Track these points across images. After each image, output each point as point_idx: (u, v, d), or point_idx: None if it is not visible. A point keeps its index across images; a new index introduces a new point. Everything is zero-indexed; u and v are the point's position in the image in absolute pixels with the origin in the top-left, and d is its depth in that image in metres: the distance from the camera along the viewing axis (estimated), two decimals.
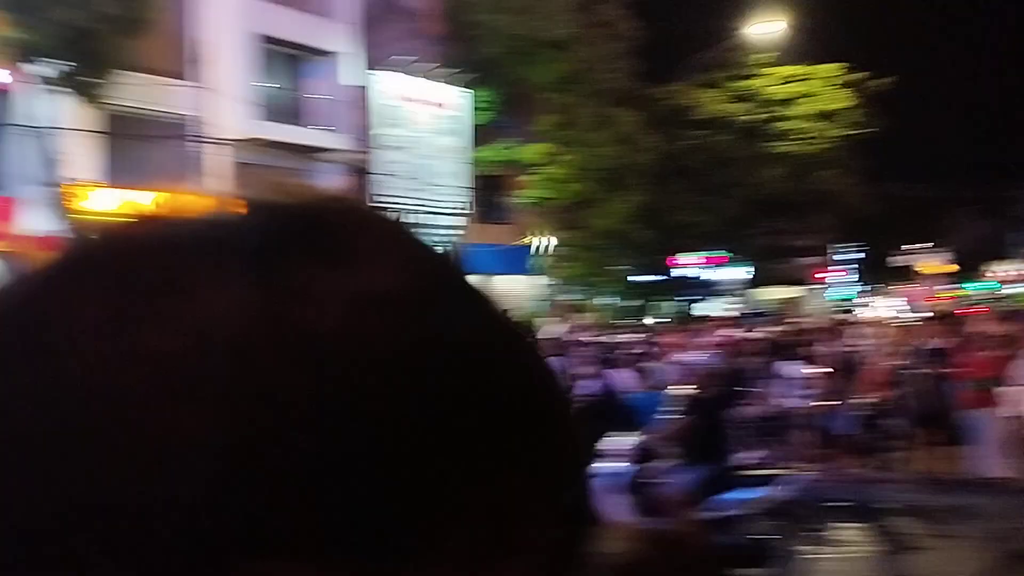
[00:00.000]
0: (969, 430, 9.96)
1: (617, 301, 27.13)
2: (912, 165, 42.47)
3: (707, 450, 6.83)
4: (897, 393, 10.55)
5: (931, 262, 45.44)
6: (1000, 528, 7.87)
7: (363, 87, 20.48)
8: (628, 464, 6.36)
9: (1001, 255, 47.51)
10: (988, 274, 46.72)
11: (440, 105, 21.79)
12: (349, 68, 20.42)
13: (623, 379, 9.68)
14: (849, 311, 31.84)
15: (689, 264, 29.92)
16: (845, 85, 26.72)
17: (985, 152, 68.60)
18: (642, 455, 6.43)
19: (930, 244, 47.91)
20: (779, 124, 27.16)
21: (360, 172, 20.43)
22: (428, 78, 21.28)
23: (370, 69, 20.54)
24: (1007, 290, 39.70)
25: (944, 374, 10.35)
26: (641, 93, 25.35)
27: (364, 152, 20.45)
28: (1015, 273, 39.99)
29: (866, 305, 35.80)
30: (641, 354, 12.25)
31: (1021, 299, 24.86)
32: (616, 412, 7.83)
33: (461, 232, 22.29)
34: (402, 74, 20.84)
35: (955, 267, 47.61)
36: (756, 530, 6.46)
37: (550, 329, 17.21)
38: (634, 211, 23.57)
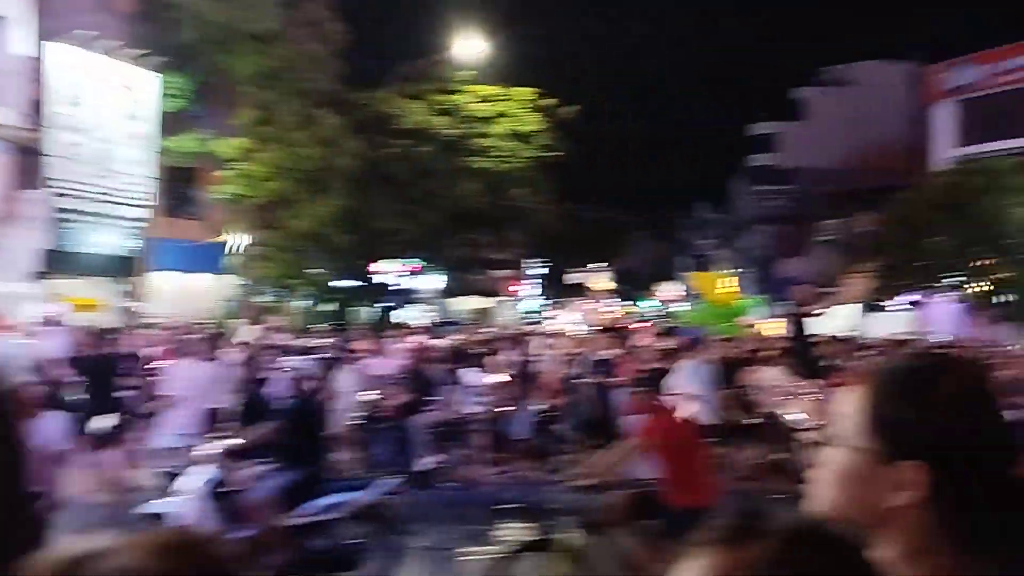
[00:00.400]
0: (630, 435, 10.87)
1: (313, 305, 26.70)
2: (594, 189, 46.01)
3: (302, 454, 6.67)
4: (567, 400, 11.30)
5: (603, 280, 49.31)
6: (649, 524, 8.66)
7: (37, 58, 18.49)
8: (215, 470, 6.21)
9: (667, 276, 52.66)
10: (656, 293, 51.44)
11: (127, 87, 20.21)
12: (20, 35, 18.34)
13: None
14: (537, 323, 33.70)
15: (388, 271, 30.14)
16: (538, 109, 28.33)
17: (655, 181, 75.94)
18: (229, 460, 6.29)
19: (605, 263, 52.13)
20: (478, 140, 28.19)
21: (30, 152, 18.42)
22: (114, 56, 19.67)
23: (45, 39, 18.58)
24: (671, 308, 43.99)
25: (609, 383, 11.22)
26: (346, 97, 25.21)
27: (35, 130, 18.45)
28: (677, 293, 44.41)
29: (550, 317, 38.10)
30: (333, 359, 12.13)
31: (681, 317, 27.65)
32: (262, 418, 7.56)
33: (145, 224, 20.83)
34: (83, 49, 19.06)
35: (623, 285, 52.24)
36: (346, 534, 6.48)
37: (241, 331, 16.57)
38: (334, 214, 23.29)
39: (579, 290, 47.49)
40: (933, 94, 35.00)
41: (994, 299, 26.32)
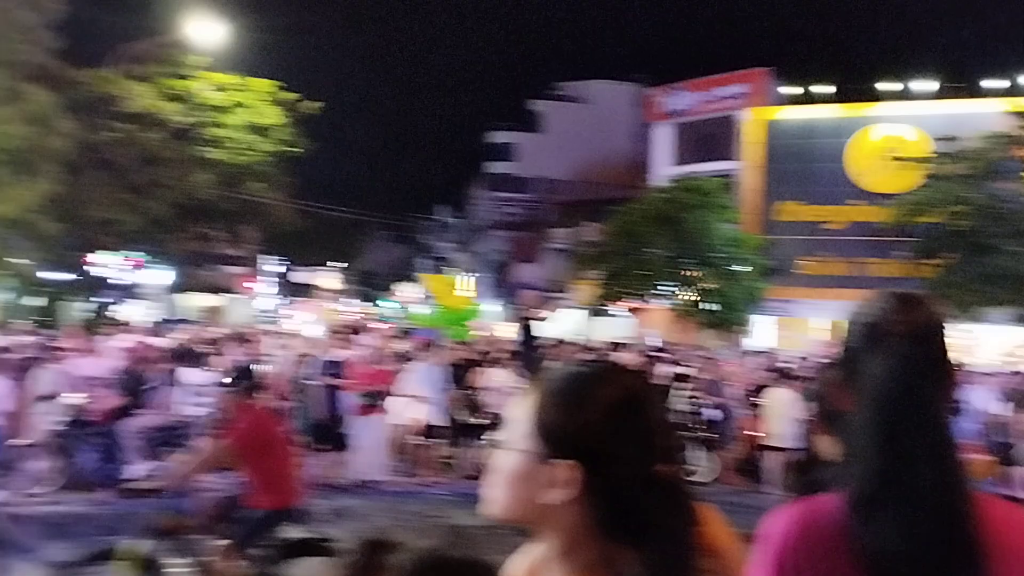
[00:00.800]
0: (356, 437, 10.80)
1: (18, 298, 24.27)
2: (336, 187, 45.43)
3: None
4: (295, 402, 11.01)
5: (333, 279, 48.63)
6: (370, 527, 8.64)
7: None
8: None
9: (407, 277, 52.95)
10: (396, 294, 51.56)
11: None
12: None
13: None
14: (273, 321, 32.66)
15: (108, 264, 28.00)
16: (278, 102, 27.50)
17: (399, 183, 76.33)
18: None
19: (345, 263, 51.53)
20: (212, 130, 26.88)
21: None
22: None
23: None
24: (411, 309, 44.23)
25: (338, 385, 11.08)
26: (61, 73, 23.02)
27: None
28: (416, 294, 44.75)
29: (287, 316, 37.07)
30: (32, 358, 11.05)
31: (417, 318, 27.88)
32: None
33: None
34: None
35: (363, 286, 51.85)
36: None
37: None
38: (43, 200, 21.22)
39: (318, 288, 46.56)
40: (653, 115, 37.82)
41: (700, 307, 28.87)
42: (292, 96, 27.52)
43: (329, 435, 10.67)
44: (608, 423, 1.25)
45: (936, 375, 1.39)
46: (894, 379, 1.37)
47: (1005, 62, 37.23)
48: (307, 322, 30.15)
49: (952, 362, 1.45)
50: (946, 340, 1.44)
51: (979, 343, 25.38)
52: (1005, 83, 30.20)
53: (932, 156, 25.94)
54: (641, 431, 1.26)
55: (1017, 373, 14.01)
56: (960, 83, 30.98)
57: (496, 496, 1.32)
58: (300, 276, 45.74)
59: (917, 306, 1.45)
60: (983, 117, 26.17)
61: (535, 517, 1.28)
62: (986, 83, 30.64)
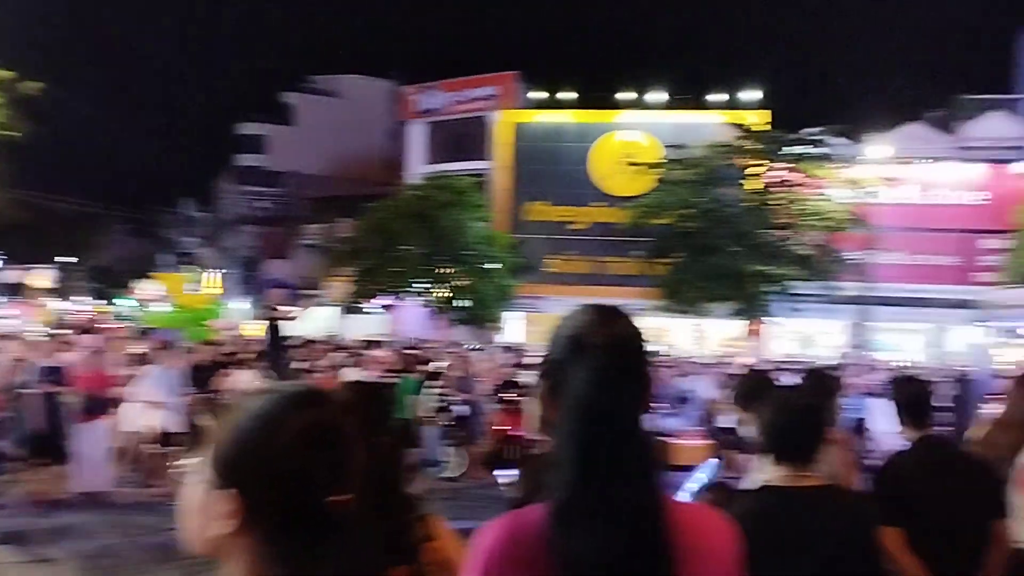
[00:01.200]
0: (80, 446, 9.95)
1: None
2: (65, 176, 41.78)
3: None
4: (10, 412, 9.99)
5: (54, 277, 44.67)
6: (96, 545, 8.00)
7: None
8: None
9: (148, 274, 49.71)
10: (135, 292, 48.28)
11: None
12: None
13: None
14: None
15: None
16: None
17: (137, 173, 71.65)
18: None
19: (75, 258, 47.57)
20: None
21: None
22: None
23: None
24: (152, 308, 41.51)
25: (58, 391, 10.15)
26: None
27: None
28: (157, 292, 42.14)
29: (6, 317, 33.64)
30: None
31: (156, 318, 26.22)
32: None
33: None
34: None
35: (98, 283, 48.04)
36: None
37: None
38: None
39: (39, 287, 42.46)
40: (408, 113, 38.00)
41: (454, 304, 29.36)
42: (8, 74, 24.90)
43: (49, 447, 9.74)
44: (276, 454, 1.20)
45: (633, 387, 1.44)
46: (592, 391, 1.40)
47: (726, 77, 40.86)
48: (27, 323, 27.49)
49: (650, 374, 1.51)
50: (644, 352, 1.50)
51: (703, 336, 27.63)
52: (725, 96, 33.12)
53: (662, 162, 27.93)
54: (317, 462, 1.22)
55: (736, 363, 15.40)
56: (687, 95, 33.63)
57: (184, 526, 1.26)
58: (13, 274, 41.41)
59: (616, 319, 1.49)
60: (707, 127, 28.57)
61: (214, 548, 1.23)
62: (711, 96, 33.45)
